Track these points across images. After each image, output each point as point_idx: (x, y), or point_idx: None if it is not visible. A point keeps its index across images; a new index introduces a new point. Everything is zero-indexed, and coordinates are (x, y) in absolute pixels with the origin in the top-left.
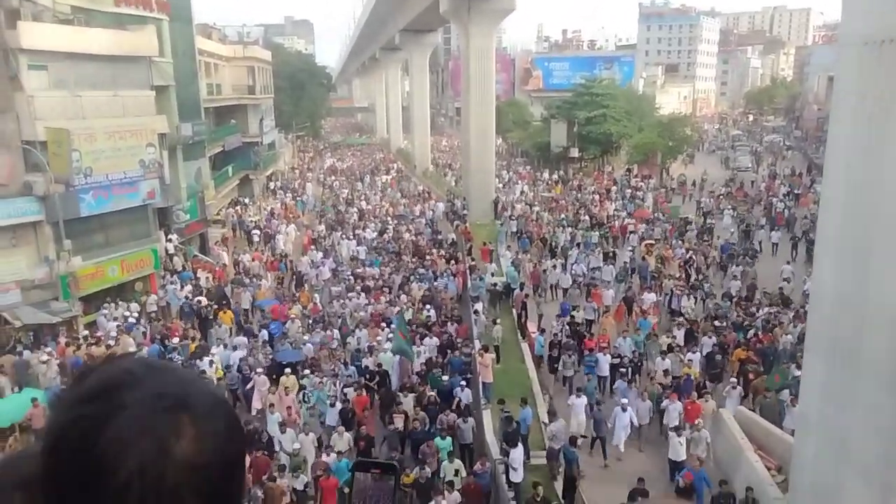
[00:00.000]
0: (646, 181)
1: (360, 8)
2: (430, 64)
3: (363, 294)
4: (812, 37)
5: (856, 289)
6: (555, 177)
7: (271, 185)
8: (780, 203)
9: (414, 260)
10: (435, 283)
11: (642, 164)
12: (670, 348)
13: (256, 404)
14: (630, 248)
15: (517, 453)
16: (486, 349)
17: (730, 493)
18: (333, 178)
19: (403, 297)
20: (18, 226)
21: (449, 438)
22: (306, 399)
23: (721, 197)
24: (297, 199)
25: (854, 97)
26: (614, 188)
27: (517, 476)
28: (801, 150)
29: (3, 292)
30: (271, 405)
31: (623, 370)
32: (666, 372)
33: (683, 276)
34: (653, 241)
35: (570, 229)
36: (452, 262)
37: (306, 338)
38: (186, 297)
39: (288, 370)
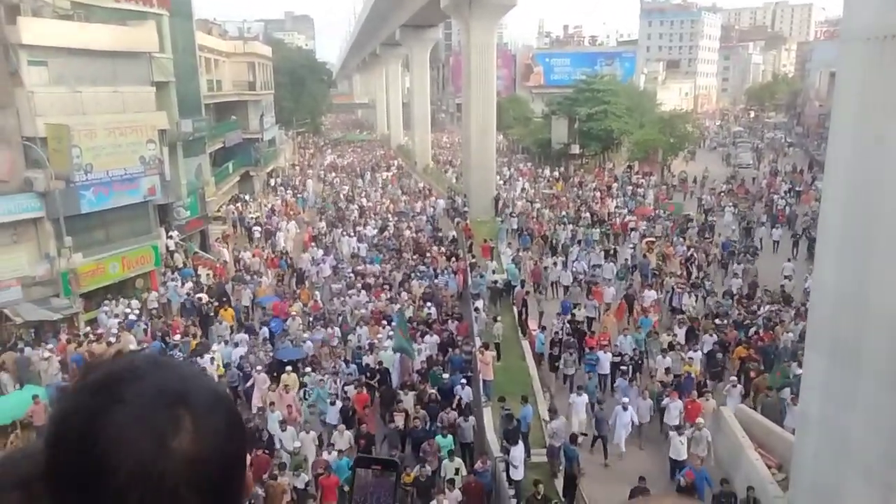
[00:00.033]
0: (647, 178)
1: (361, 3)
2: (431, 60)
3: (364, 291)
4: (814, 32)
5: (857, 288)
6: (556, 174)
7: (272, 181)
8: (782, 200)
9: (414, 257)
10: (435, 281)
11: (643, 161)
12: (671, 346)
13: (257, 402)
14: (631, 245)
15: (518, 451)
16: (486, 347)
17: (731, 491)
18: (334, 174)
19: (404, 294)
20: (19, 222)
21: (449, 436)
22: (307, 397)
23: (722, 194)
24: (298, 195)
25: (856, 93)
26: (615, 185)
27: (518, 474)
28: (803, 147)
29: (4, 289)
30: (272, 403)
31: (624, 368)
32: (667, 370)
33: (684, 273)
34: (654, 239)
35: (570, 226)
36: (453, 259)
37: (307, 335)
38: (187, 294)
39: (288, 368)
